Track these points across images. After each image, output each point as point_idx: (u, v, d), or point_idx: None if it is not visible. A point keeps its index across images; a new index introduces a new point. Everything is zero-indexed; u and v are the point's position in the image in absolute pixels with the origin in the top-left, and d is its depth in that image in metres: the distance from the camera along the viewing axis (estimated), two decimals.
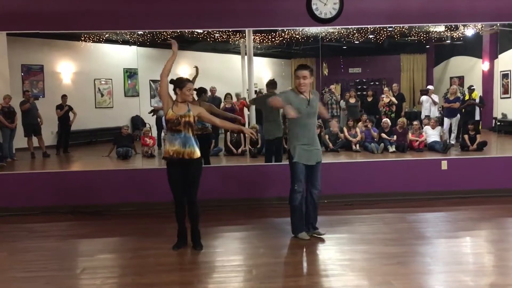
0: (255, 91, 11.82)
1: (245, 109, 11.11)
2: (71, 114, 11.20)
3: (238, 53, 13.04)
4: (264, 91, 12.83)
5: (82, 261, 4.52)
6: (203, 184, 6.42)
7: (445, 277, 3.94)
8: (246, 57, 10.85)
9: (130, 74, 14.51)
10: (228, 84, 12.51)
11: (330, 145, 10.35)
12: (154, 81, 14.26)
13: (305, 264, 4.27)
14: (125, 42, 12.87)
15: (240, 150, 10.22)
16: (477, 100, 11.22)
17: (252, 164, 8.41)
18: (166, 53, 15.59)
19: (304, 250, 4.63)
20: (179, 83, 4.74)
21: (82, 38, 11.87)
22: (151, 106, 11.81)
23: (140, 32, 10.64)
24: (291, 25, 6.89)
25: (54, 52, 12.62)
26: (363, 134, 10.43)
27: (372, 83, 16.78)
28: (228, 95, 11.66)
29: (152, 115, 11.50)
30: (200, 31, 10.63)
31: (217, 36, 12.12)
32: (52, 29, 6.51)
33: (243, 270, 4.20)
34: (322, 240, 4.86)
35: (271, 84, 7.85)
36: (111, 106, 14.05)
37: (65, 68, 13.04)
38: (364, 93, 14.47)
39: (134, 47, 13.16)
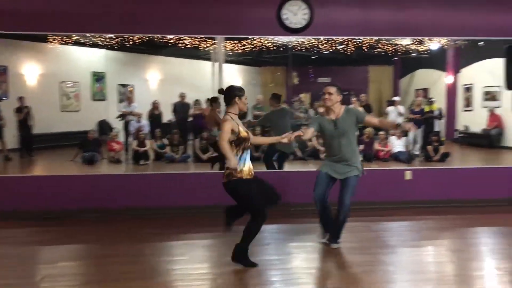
0: None
1: None
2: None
3: (209, 59, 13.03)
4: None
5: (43, 269, 4.41)
6: (169, 192, 6.42)
7: (408, 286, 4.02)
8: (216, 63, 10.85)
9: (98, 77, 14.30)
10: (198, 90, 12.47)
11: (298, 153, 10.43)
12: (122, 85, 14.10)
13: (271, 273, 4.26)
14: (93, 45, 12.67)
15: (207, 156, 10.17)
16: (436, 112, 11.54)
17: (221, 171, 8.37)
18: (135, 57, 15.50)
19: (272, 258, 4.64)
20: (239, 91, 4.28)
21: (49, 40, 11.61)
22: (118, 110, 11.64)
23: (109, 36, 10.50)
24: (261, 34, 6.94)
25: (19, 53, 12.31)
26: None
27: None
28: (197, 101, 11.64)
29: (120, 120, 11.35)
30: (170, 36, 10.57)
31: (188, 42, 12.08)
32: (14, 30, 6.34)
33: (208, 279, 4.17)
34: (288, 249, 4.89)
35: (276, 98, 7.83)
36: (77, 109, 13.79)
37: (30, 69, 12.73)
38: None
39: (102, 50, 13.01)
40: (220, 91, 4.52)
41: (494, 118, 13.54)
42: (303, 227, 5.74)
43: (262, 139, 5.60)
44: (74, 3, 6.22)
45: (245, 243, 4.27)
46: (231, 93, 4.26)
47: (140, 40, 11.32)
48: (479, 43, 11.75)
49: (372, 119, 5.05)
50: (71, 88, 13.75)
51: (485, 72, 13.54)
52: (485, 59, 13.43)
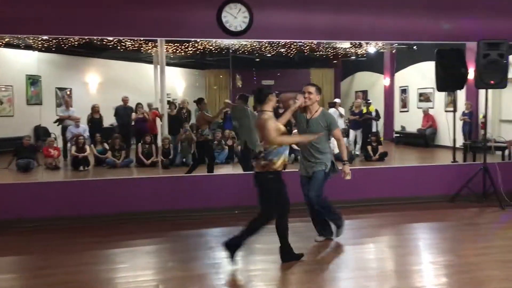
0: (168, 101, 11.67)
1: (158, 120, 10.93)
2: None
3: (151, 62, 12.80)
4: (178, 101, 12.75)
5: None
6: (110, 198, 6.24)
7: (351, 283, 4.13)
8: (158, 66, 10.69)
9: (33, 81, 13.65)
10: (140, 93, 12.21)
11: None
12: (60, 89, 13.56)
13: (213, 277, 4.24)
14: (28, 47, 12.09)
15: (150, 161, 10.00)
16: (374, 113, 11.95)
17: (165, 175, 8.24)
18: (74, 60, 14.95)
19: (215, 262, 4.61)
20: (269, 89, 4.64)
21: None
22: (56, 115, 11.20)
23: (44, 37, 10.08)
24: (202, 36, 6.90)
25: None
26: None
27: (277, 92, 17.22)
28: (139, 105, 11.40)
29: (58, 125, 10.93)
30: (110, 38, 10.28)
31: (129, 44, 11.80)
32: None
33: (149, 286, 4.08)
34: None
35: (244, 98, 8.15)
36: (11, 114, 13.09)
37: None
38: (278, 105, 14.82)
39: (38, 53, 12.44)
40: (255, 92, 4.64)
41: (428, 119, 14.20)
42: None
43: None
44: (6, 4, 5.91)
45: (241, 238, 4.42)
46: (264, 92, 4.49)
47: (78, 42, 10.95)
48: (413, 47, 12.30)
49: (338, 135, 5.07)
50: (4, 92, 13.04)
51: (419, 75, 14.18)
52: (419, 62, 14.07)
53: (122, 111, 11.50)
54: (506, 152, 9.16)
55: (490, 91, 7.39)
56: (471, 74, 7.80)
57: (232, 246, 4.39)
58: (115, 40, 10.88)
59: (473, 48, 6.95)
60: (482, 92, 7.20)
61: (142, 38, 9.72)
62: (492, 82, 6.70)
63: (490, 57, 6.62)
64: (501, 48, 6.64)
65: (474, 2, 6.94)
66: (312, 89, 4.92)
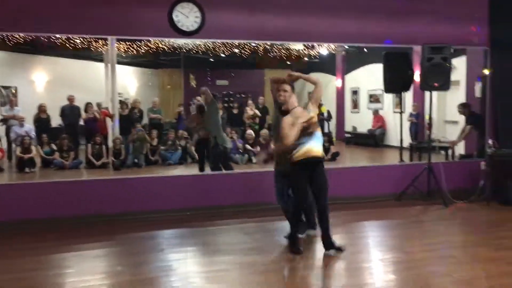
0: (120, 101, 11.42)
1: (108, 119, 10.68)
2: None
3: (102, 60, 12.48)
4: (130, 100, 12.50)
5: None
6: (58, 201, 6.04)
7: (303, 282, 4.17)
8: (109, 65, 10.44)
9: None
10: (90, 93, 11.88)
11: (197, 156, 10.39)
12: (4, 87, 12.99)
13: (164, 280, 4.18)
14: None
15: (101, 162, 9.76)
16: (325, 114, 12.19)
17: (116, 177, 8.07)
18: (19, 57, 14.38)
19: (165, 264, 4.55)
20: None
21: None
22: (0, 114, 10.73)
23: None
24: (153, 36, 6.80)
25: None
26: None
27: (238, 95, 17.28)
28: (89, 105, 11.10)
29: (2, 125, 10.48)
30: (58, 36, 9.95)
31: (78, 42, 11.46)
32: None
33: None
34: (184, 253, 4.85)
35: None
36: None
37: None
38: (231, 105, 14.86)
39: None
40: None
41: (378, 119, 14.63)
42: (197, 231, 5.72)
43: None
44: None
45: (292, 229, 4.85)
46: None
47: (24, 39, 10.53)
48: (364, 49, 12.63)
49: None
50: None
51: (369, 76, 14.58)
52: (369, 64, 14.47)
53: (68, 111, 11.15)
54: (450, 152, 9.56)
55: (435, 93, 7.70)
56: (417, 77, 8.09)
57: (290, 237, 4.86)
58: (64, 37, 10.55)
59: (419, 52, 7.21)
60: (428, 94, 7.47)
61: (92, 36, 9.46)
62: (436, 84, 6.96)
63: (434, 61, 6.88)
64: (445, 52, 6.91)
65: (420, 8, 7.20)
66: (287, 87, 4.84)
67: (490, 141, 7.36)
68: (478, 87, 8.31)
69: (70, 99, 11.20)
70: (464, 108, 8.38)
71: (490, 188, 7.07)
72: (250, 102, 12.74)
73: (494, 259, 4.61)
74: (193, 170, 9.12)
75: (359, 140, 15.14)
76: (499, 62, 7.53)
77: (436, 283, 4.03)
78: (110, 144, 10.24)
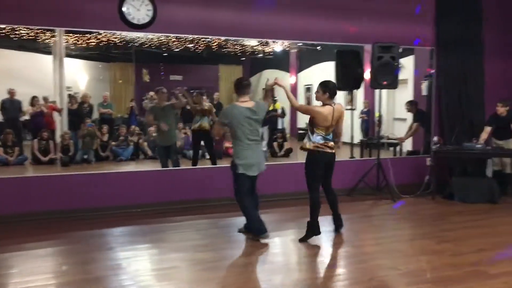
0: (69, 95, 11.04)
1: (55, 114, 10.29)
2: None
3: (50, 53, 12.00)
4: (79, 95, 12.11)
5: None
6: (1, 197, 5.79)
7: (256, 277, 4.19)
8: (58, 58, 10.06)
9: None
10: (37, 86, 11.39)
11: (149, 152, 10.25)
12: None
13: (113, 278, 4.08)
14: None
15: (48, 158, 9.41)
16: (279, 111, 12.27)
17: (63, 173, 7.78)
18: None
19: (115, 263, 4.45)
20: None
21: None
22: None
23: None
24: (103, 28, 6.58)
25: None
26: (182, 141, 10.56)
27: (192, 91, 17.08)
28: (35, 98, 10.67)
29: None
30: (2, 26, 9.48)
31: (23, 33, 10.96)
32: None
33: None
34: (134, 251, 4.76)
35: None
36: None
37: None
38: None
39: None
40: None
41: None
42: (148, 228, 5.63)
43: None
44: None
45: (311, 218, 5.26)
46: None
47: None
48: (317, 47, 12.77)
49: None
50: None
51: (322, 74, 14.73)
52: (322, 62, 14.66)
53: (9, 105, 10.66)
54: (398, 148, 9.85)
55: (384, 91, 7.90)
56: (368, 75, 8.28)
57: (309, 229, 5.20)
58: (7, 27, 10.06)
59: (370, 50, 7.37)
60: (377, 91, 7.66)
61: (38, 27, 9.08)
62: (384, 82, 7.15)
63: (383, 59, 7.06)
64: (393, 51, 7.11)
65: (371, 6, 7.36)
66: None
67: (435, 138, 7.64)
68: (424, 85, 8.60)
69: (11, 92, 10.72)
70: (411, 105, 8.64)
71: (435, 183, 7.35)
72: (204, 97, 12.61)
73: (438, 251, 4.80)
74: (145, 166, 8.96)
75: None
76: (444, 61, 7.82)
77: (383, 276, 4.15)
78: (58, 139, 9.89)
